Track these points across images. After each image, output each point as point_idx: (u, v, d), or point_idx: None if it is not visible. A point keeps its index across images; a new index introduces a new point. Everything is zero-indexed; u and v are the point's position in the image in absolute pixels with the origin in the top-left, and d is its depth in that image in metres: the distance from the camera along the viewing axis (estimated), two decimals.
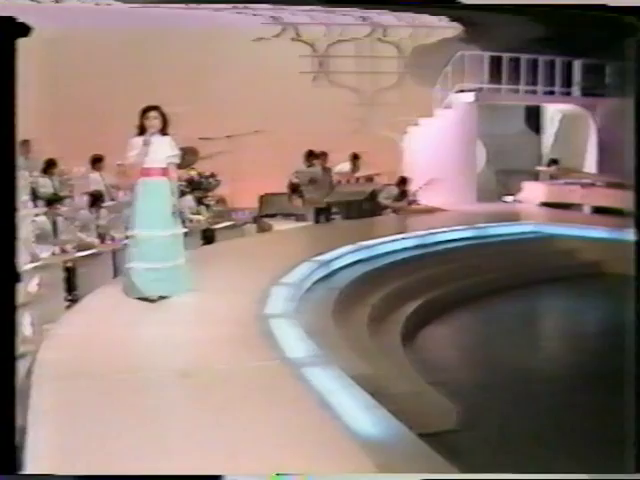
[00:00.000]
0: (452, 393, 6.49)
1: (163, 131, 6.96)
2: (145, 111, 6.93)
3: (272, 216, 13.42)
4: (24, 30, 3.48)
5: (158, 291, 6.84)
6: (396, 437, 4.18)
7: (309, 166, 13.37)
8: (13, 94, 3.53)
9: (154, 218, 6.88)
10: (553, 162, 16.71)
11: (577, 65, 16.57)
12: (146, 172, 6.95)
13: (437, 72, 15.55)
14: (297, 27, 15.57)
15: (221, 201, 13.27)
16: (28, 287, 7.91)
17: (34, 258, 8.63)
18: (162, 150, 6.93)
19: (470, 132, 15.69)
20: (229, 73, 14.51)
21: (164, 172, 7.00)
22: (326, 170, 13.52)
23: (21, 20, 3.47)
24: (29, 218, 9.32)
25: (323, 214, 13.22)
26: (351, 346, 6.72)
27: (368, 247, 10.41)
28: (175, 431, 4.20)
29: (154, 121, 6.89)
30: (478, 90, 15.77)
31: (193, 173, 12.53)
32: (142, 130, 6.93)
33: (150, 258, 6.82)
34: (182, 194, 10.75)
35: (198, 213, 11.67)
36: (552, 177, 16.33)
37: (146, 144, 6.85)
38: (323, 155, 13.54)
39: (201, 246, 10.95)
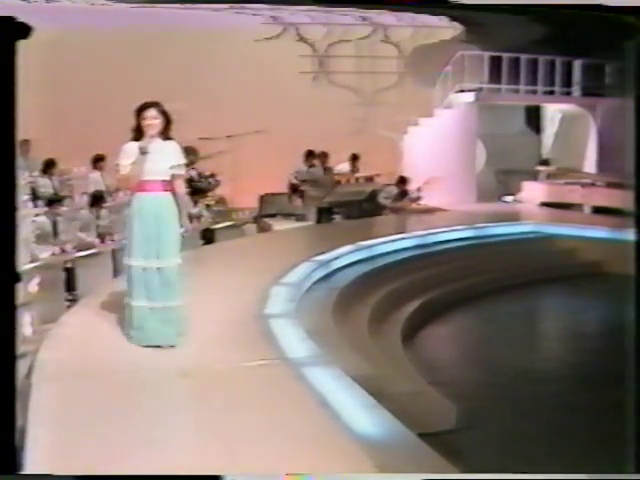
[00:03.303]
0: (452, 393, 6.49)
1: (165, 134, 5.60)
2: (142, 109, 5.55)
3: (272, 216, 13.43)
4: (24, 30, 3.48)
5: (159, 338, 5.58)
6: (396, 437, 4.18)
7: (309, 166, 13.37)
8: (13, 94, 3.53)
9: (151, 244, 5.56)
10: (544, 162, 16.76)
11: (577, 65, 16.56)
12: (142, 186, 5.57)
13: (437, 72, 15.56)
14: (297, 27, 15.57)
15: (221, 201, 13.27)
16: (28, 287, 7.91)
17: (34, 258, 8.63)
18: (164, 158, 5.55)
19: (470, 132, 15.69)
20: (229, 73, 14.51)
21: (166, 185, 5.63)
22: (327, 170, 13.53)
23: (21, 20, 3.47)
24: (29, 218, 9.32)
25: (323, 214, 13.22)
26: (351, 346, 6.72)
27: (368, 247, 10.41)
28: (175, 431, 4.21)
29: (153, 122, 5.51)
30: (478, 90, 15.77)
31: (193, 173, 12.52)
32: (139, 133, 5.57)
33: (149, 295, 5.58)
34: None
35: (199, 215, 11.66)
36: (549, 177, 16.34)
37: (143, 152, 5.47)
38: (323, 155, 13.55)
39: (201, 246, 10.94)
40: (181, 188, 5.77)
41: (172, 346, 5.54)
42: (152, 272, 5.57)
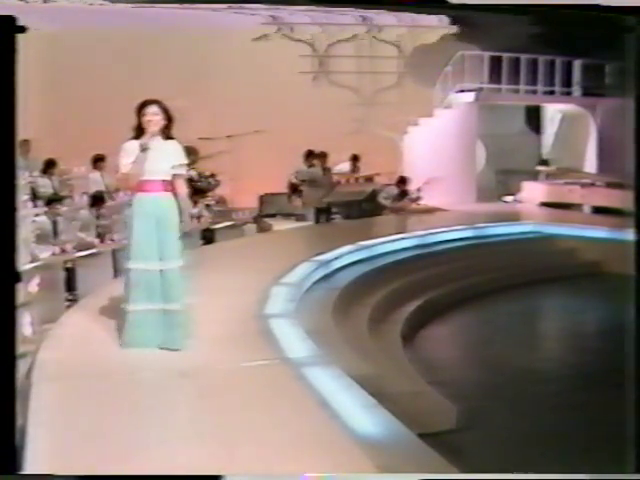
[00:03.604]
0: (452, 393, 6.49)
1: (166, 132, 5.48)
2: (143, 106, 5.44)
3: (272, 216, 13.43)
4: (21, 29, 3.49)
5: (155, 340, 5.48)
6: (396, 437, 4.18)
7: (309, 166, 13.37)
8: (13, 94, 3.54)
9: (153, 246, 5.43)
10: (544, 162, 16.77)
11: (577, 65, 16.57)
12: (142, 186, 5.45)
13: (437, 72, 15.56)
14: (296, 27, 15.57)
15: (221, 201, 13.28)
16: (28, 287, 7.91)
17: (34, 258, 8.63)
18: (164, 157, 5.43)
19: (470, 132, 15.69)
20: (229, 73, 14.51)
21: (167, 186, 5.50)
22: (326, 170, 13.53)
23: (20, 20, 3.47)
24: (29, 218, 9.32)
25: (323, 214, 13.22)
26: (351, 346, 6.72)
27: (368, 247, 10.41)
28: (175, 431, 4.21)
29: (155, 118, 5.40)
30: (478, 90, 15.78)
31: (193, 173, 12.52)
32: (140, 131, 5.45)
33: (150, 297, 5.44)
34: None
35: (199, 215, 11.65)
36: (549, 176, 16.35)
37: (144, 148, 5.34)
38: (322, 155, 13.55)
39: (201, 246, 10.95)
40: (182, 188, 5.63)
41: (177, 350, 5.43)
42: (154, 274, 5.43)
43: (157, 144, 5.40)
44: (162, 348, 5.47)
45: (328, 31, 15.69)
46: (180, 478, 3.65)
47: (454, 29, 15.65)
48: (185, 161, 5.62)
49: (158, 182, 5.45)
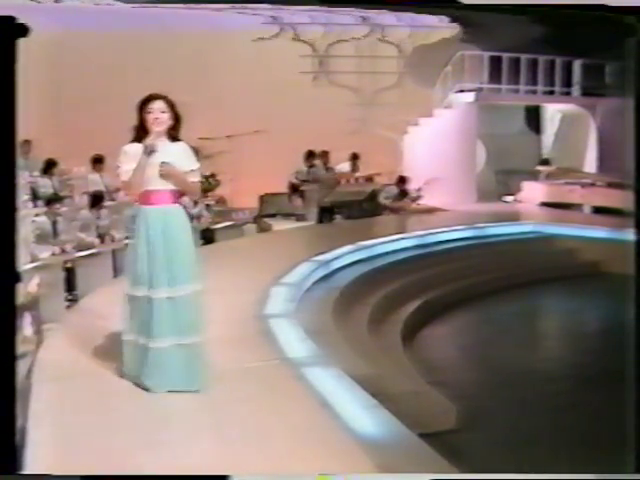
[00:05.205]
0: (452, 393, 6.49)
1: (173, 134, 4.66)
2: (147, 102, 4.62)
3: (272, 216, 13.42)
4: (23, 30, 3.48)
5: (164, 383, 4.64)
6: (396, 437, 4.18)
7: (309, 166, 13.38)
8: (13, 94, 3.54)
9: (160, 269, 4.58)
10: (544, 162, 16.79)
11: (577, 65, 16.58)
12: (148, 197, 4.62)
13: (437, 72, 15.56)
14: (297, 27, 15.57)
15: (221, 201, 13.27)
16: (28, 287, 7.91)
17: (34, 258, 8.63)
18: (173, 163, 4.61)
19: (470, 132, 15.69)
20: (229, 73, 14.52)
21: (175, 196, 4.67)
22: (328, 170, 13.54)
23: (21, 20, 3.47)
24: (29, 218, 9.32)
25: (326, 214, 13.23)
26: (351, 346, 6.72)
27: (368, 247, 10.41)
28: (175, 431, 4.21)
29: (162, 115, 4.59)
30: (478, 90, 15.78)
31: None
32: (142, 131, 4.61)
33: (156, 331, 4.59)
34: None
35: (199, 215, 11.65)
36: (549, 176, 16.36)
37: (150, 150, 4.52)
38: (325, 154, 13.55)
39: (201, 246, 10.94)
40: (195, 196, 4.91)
41: (195, 391, 4.65)
42: (162, 303, 4.61)
43: (163, 147, 4.60)
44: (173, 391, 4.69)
45: (331, 32, 15.69)
46: (184, 478, 3.65)
47: (458, 29, 15.66)
48: (197, 165, 4.77)
49: (166, 192, 4.62)
